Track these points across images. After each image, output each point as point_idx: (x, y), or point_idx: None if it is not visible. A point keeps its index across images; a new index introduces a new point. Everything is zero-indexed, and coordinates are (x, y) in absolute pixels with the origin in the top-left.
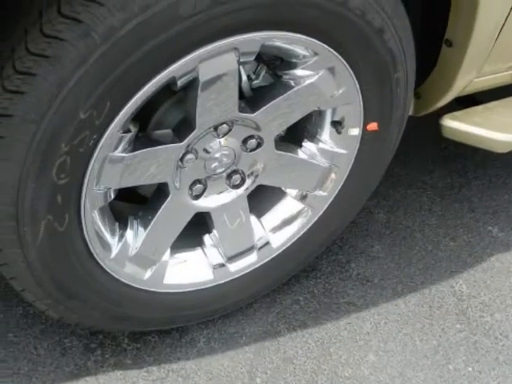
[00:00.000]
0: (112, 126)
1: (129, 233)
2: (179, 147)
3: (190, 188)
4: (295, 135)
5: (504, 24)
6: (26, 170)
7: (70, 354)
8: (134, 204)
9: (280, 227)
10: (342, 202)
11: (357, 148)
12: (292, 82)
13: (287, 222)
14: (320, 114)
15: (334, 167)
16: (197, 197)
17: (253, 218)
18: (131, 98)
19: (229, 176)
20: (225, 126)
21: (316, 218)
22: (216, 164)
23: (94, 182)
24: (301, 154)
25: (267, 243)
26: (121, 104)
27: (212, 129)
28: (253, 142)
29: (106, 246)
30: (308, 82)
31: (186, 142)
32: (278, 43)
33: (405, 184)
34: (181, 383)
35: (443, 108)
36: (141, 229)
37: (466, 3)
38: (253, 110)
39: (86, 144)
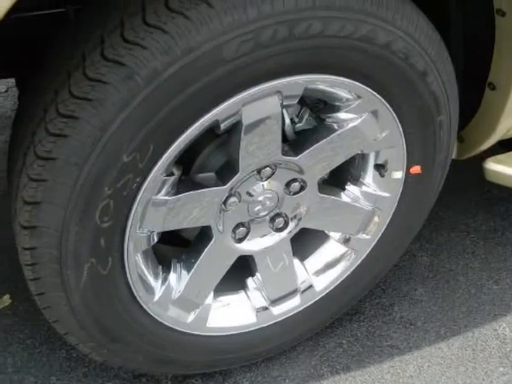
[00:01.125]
0: (155, 169)
1: (172, 276)
2: (222, 190)
3: (234, 231)
4: (338, 178)
5: None
6: (69, 214)
7: None
8: (177, 247)
9: (323, 270)
10: (385, 245)
11: (400, 191)
12: (335, 125)
13: (330, 266)
14: (363, 157)
15: (377, 210)
16: (240, 240)
17: (296, 261)
18: (174, 142)
19: (272, 219)
20: (268, 169)
21: (359, 261)
22: (259, 207)
23: (137, 225)
24: (344, 197)
25: (310, 286)
26: (164, 147)
27: (255, 172)
28: (296, 185)
29: (149, 290)
30: (351, 125)
31: (229, 185)
32: (321, 86)
33: (448, 227)
34: None
35: (486, 151)
36: (184, 272)
37: (509, 46)
38: (296, 154)
39: (129, 187)
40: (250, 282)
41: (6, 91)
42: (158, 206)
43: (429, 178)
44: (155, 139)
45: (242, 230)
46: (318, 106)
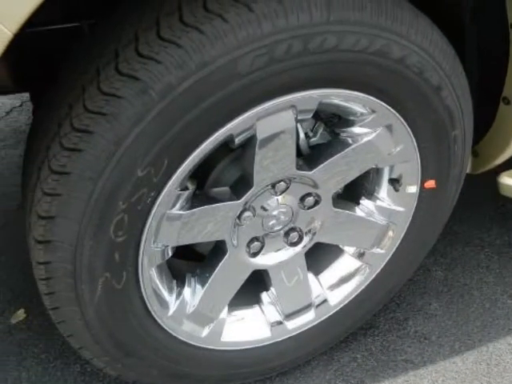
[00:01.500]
0: (170, 183)
1: (186, 290)
2: (237, 205)
3: (248, 245)
4: (353, 193)
5: None
6: (83, 228)
7: None
8: (192, 261)
9: (338, 285)
10: (399, 259)
11: (414, 205)
12: (350, 140)
13: (345, 280)
14: (377, 171)
15: (392, 225)
16: (254, 254)
17: (310, 276)
18: (189, 156)
19: (286, 233)
20: (282, 183)
21: (374, 276)
22: (273, 221)
23: (151, 239)
24: (358, 211)
25: (325, 301)
26: (178, 162)
27: (270, 186)
28: (310, 200)
29: (164, 304)
30: (366, 139)
31: (243, 199)
32: (336, 101)
33: (462, 241)
34: None
35: (501, 166)
36: (198, 286)
37: None
38: (310, 168)
39: (143, 202)
40: (264, 296)
41: (21, 105)
42: (172, 221)
43: (443, 192)
44: (170, 153)
45: (256, 244)
46: (333, 121)
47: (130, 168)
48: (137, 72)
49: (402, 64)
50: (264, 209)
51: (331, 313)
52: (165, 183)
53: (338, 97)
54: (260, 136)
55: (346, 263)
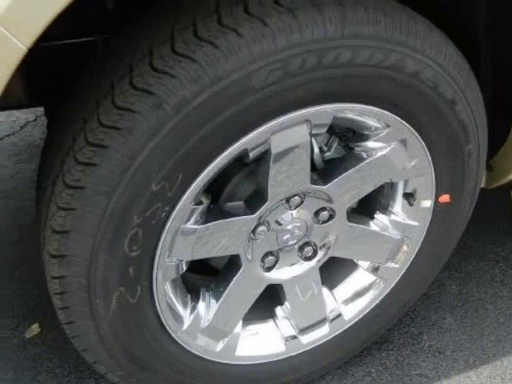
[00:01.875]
0: (184, 197)
1: (201, 305)
2: (251, 219)
3: (262, 260)
4: (367, 207)
5: None
6: (97, 242)
7: None
8: (206, 276)
9: (352, 299)
10: (414, 273)
11: (429, 220)
12: (364, 154)
13: (359, 294)
14: (392, 185)
15: (406, 239)
16: (269, 269)
17: (325, 290)
18: (203, 170)
19: (301, 248)
20: (297, 197)
21: (388, 290)
22: (288, 236)
23: (166, 253)
24: (373, 225)
25: (339, 315)
26: (193, 176)
27: (284, 201)
28: (325, 214)
29: (178, 318)
30: (380, 153)
31: (257, 213)
32: (350, 115)
33: (477, 256)
34: None
35: None
36: (213, 301)
37: None
38: (325, 182)
39: (158, 216)
40: (278, 310)
41: (35, 120)
42: (186, 235)
43: (457, 206)
44: (184, 168)
45: (270, 258)
46: (347, 135)
47: (144, 182)
48: (151, 86)
49: (416, 78)
50: (278, 223)
51: (345, 327)
52: (179, 197)
53: (352, 111)
54: (274, 150)
55: (360, 277)
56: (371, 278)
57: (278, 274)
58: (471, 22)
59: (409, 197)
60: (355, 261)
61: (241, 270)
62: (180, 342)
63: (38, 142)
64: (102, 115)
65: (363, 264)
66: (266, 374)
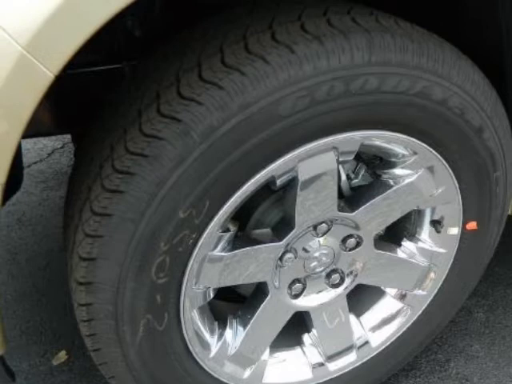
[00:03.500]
0: (211, 225)
1: (228, 332)
2: (278, 246)
3: (290, 287)
4: (394, 234)
5: None
6: (125, 269)
7: None
8: (233, 303)
9: (379, 326)
10: (441, 301)
11: (456, 247)
12: (391, 181)
13: (386, 322)
14: (419, 213)
15: (434, 266)
16: (296, 296)
17: (352, 317)
18: (230, 198)
19: (328, 275)
20: (324, 225)
21: (415, 317)
22: (315, 263)
23: (193, 281)
24: (400, 253)
25: (366, 342)
26: (220, 203)
27: (311, 228)
28: (352, 241)
29: (206, 346)
30: (407, 181)
31: (285, 241)
32: (377, 142)
33: (504, 283)
34: None
35: None
36: (240, 328)
37: None
38: (352, 210)
39: (185, 243)
40: (306, 337)
41: (62, 147)
42: (214, 262)
43: (485, 233)
44: (211, 195)
45: (298, 285)
46: (374, 162)
47: (171, 210)
48: (178, 114)
49: (443, 105)
50: (306, 250)
51: (373, 354)
52: (206, 225)
53: (379, 138)
54: (302, 177)
55: (387, 305)
56: (398, 305)
57: (305, 302)
58: (498, 48)
59: (436, 224)
60: (382, 288)
61: (268, 298)
62: (207, 369)
63: (65, 169)
64: (129, 142)
65: (390, 291)
66: None
